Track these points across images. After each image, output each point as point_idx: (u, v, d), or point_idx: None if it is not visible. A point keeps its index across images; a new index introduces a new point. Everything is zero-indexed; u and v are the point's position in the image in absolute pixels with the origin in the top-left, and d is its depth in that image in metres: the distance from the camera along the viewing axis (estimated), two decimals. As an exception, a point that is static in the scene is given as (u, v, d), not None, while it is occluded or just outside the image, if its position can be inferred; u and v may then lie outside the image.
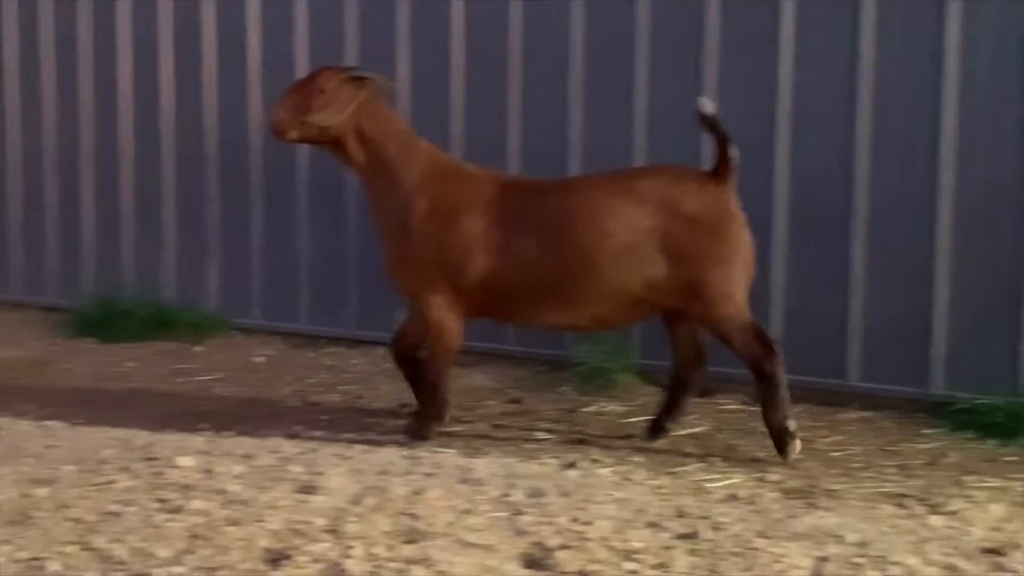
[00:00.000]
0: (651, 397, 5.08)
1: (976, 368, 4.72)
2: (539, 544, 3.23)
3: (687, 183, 4.29)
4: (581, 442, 4.48)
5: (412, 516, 3.43)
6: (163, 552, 3.14)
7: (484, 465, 4.02)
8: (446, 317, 4.43)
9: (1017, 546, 3.33)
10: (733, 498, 3.75)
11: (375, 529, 3.32)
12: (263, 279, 6.19)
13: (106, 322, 6.19)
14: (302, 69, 5.72)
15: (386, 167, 4.48)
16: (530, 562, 3.14)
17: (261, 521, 3.36)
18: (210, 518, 3.39)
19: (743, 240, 4.27)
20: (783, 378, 4.22)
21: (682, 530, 3.36)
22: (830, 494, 3.85)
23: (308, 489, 3.68)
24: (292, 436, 4.46)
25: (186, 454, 4.02)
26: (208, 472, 3.82)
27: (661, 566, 3.10)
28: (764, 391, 4.25)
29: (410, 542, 3.24)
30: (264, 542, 3.21)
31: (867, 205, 4.89)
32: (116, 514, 3.44)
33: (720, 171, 4.25)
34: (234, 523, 3.34)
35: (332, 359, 5.86)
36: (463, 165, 4.67)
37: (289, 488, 3.70)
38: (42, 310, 6.67)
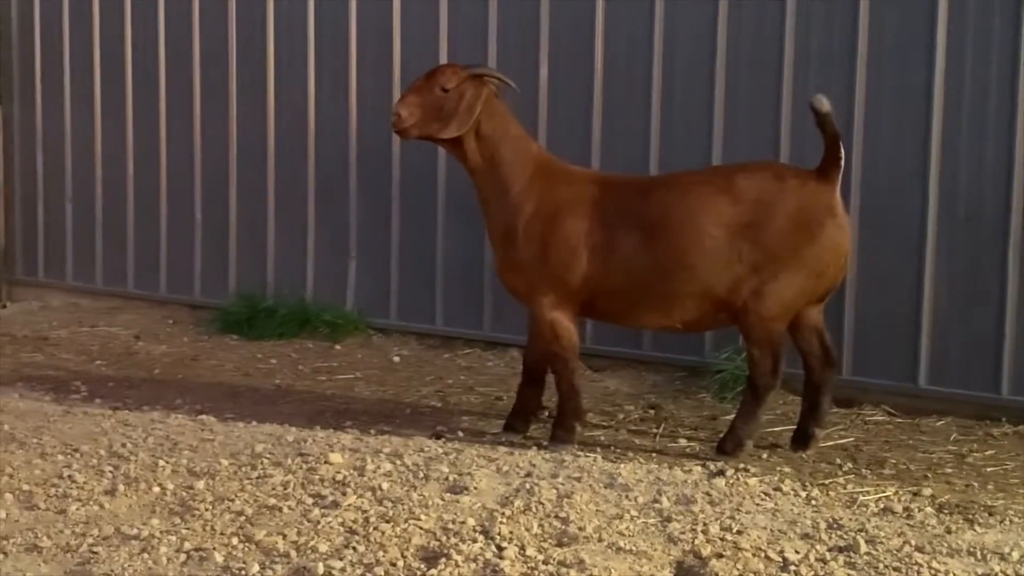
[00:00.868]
0: (792, 406, 5.01)
1: None
2: (692, 552, 3.20)
3: (788, 180, 4.22)
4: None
5: (562, 519, 3.44)
6: (322, 547, 3.20)
7: (629, 470, 4.00)
8: (559, 318, 4.42)
9: None
10: (888, 511, 3.67)
11: (526, 531, 3.34)
12: (400, 280, 6.28)
13: (250, 320, 6.38)
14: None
15: (499, 168, 4.48)
16: (684, 570, 3.11)
17: (414, 519, 3.41)
18: (365, 515, 3.45)
19: (834, 245, 4.19)
20: (768, 401, 4.33)
21: (838, 542, 3.30)
22: (989, 509, 3.74)
23: (457, 489, 3.72)
24: (436, 436, 4.52)
25: (336, 451, 4.10)
26: (359, 469, 3.89)
27: (819, 578, 3.05)
28: (747, 402, 4.29)
29: (561, 545, 3.25)
30: (418, 540, 3.26)
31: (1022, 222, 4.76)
32: (275, 508, 3.53)
33: (826, 169, 4.18)
34: (388, 520, 3.39)
35: (468, 360, 5.93)
36: (567, 166, 4.64)
37: (438, 487, 3.75)
38: (189, 308, 6.90)
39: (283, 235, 6.65)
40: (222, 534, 3.32)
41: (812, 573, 3.08)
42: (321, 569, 3.04)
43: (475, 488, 3.72)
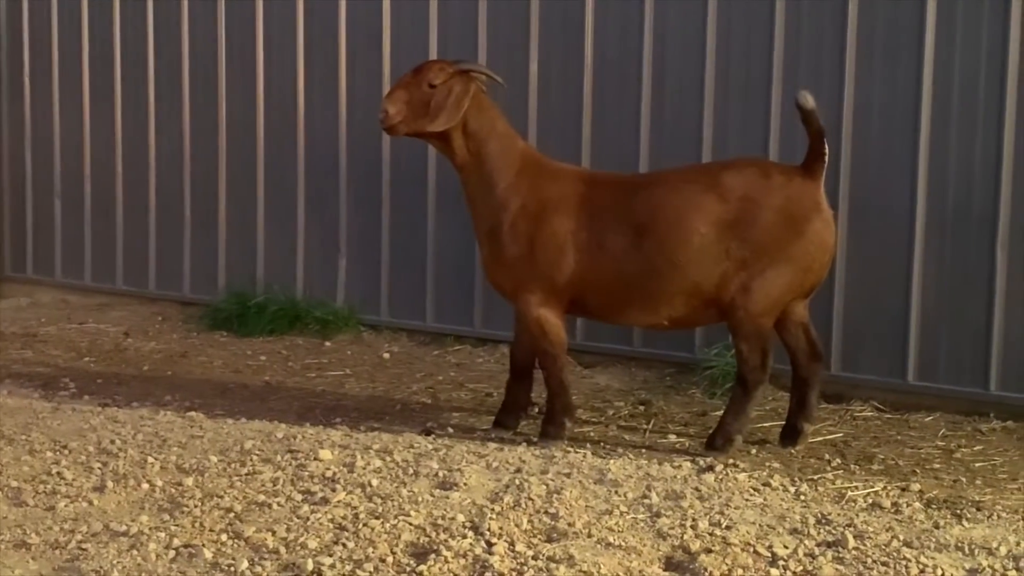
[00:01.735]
0: (782, 402, 5.02)
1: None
2: (681, 547, 3.21)
3: (773, 176, 4.24)
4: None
5: (551, 515, 3.44)
6: (312, 543, 3.20)
7: (618, 466, 4.01)
8: (546, 315, 4.42)
9: None
10: (876, 507, 3.68)
11: (515, 527, 3.34)
12: (391, 277, 6.28)
13: (239, 317, 6.37)
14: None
15: (485, 164, 4.47)
16: (673, 565, 3.12)
17: (404, 515, 3.41)
18: (354, 511, 3.45)
19: (819, 241, 4.21)
20: (757, 397, 4.31)
21: (826, 538, 3.31)
22: (977, 505, 3.75)
23: (447, 485, 3.72)
24: (426, 432, 4.52)
25: (326, 447, 4.09)
26: (349, 466, 3.88)
27: (807, 573, 3.06)
28: (736, 397, 4.29)
29: (551, 541, 3.26)
30: (408, 536, 3.26)
31: (1009, 212, 4.77)
32: (264, 504, 3.52)
33: (811, 165, 4.21)
34: (378, 517, 3.39)
35: (458, 357, 5.93)
36: (555, 163, 4.64)
37: (428, 484, 3.75)
38: (179, 304, 6.89)
39: (273, 231, 6.63)
40: (211, 530, 3.32)
41: (801, 568, 3.09)
42: (310, 565, 3.04)
43: (465, 484, 3.72)
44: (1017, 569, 3.13)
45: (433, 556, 3.10)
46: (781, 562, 3.11)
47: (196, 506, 3.52)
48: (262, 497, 3.59)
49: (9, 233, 7.62)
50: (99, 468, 3.90)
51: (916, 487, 3.93)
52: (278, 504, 3.52)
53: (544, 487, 3.69)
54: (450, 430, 4.60)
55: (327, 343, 6.15)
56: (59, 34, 7.29)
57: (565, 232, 4.36)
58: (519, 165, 4.48)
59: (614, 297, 4.38)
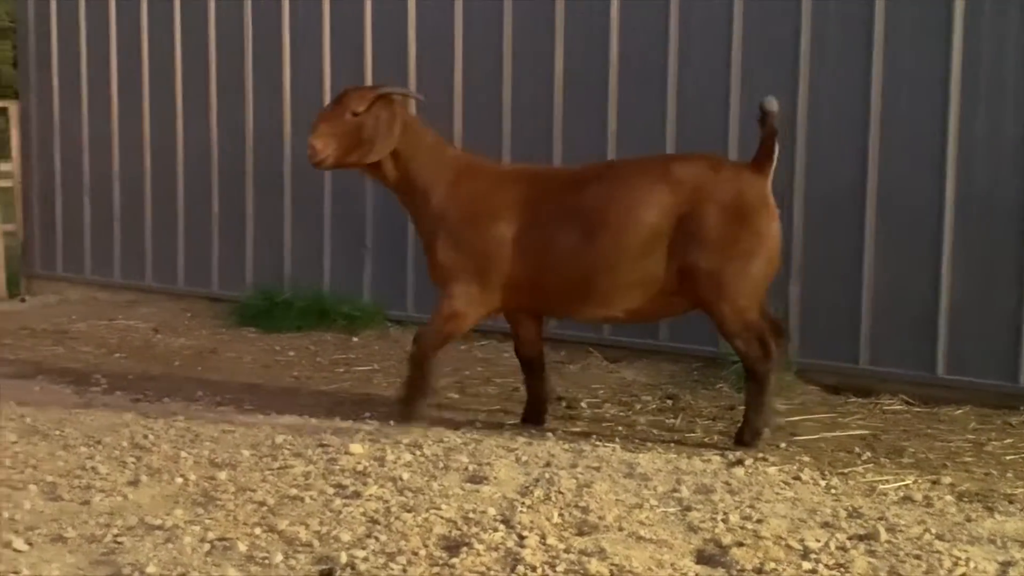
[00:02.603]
0: (810, 396, 5.03)
1: None
2: (713, 541, 3.22)
3: (723, 171, 4.24)
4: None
5: (582, 508, 3.45)
6: (345, 536, 3.23)
7: (648, 460, 4.02)
8: (466, 313, 4.39)
9: None
10: (907, 500, 3.67)
11: (546, 520, 3.35)
12: (416, 272, 6.29)
13: (267, 313, 6.41)
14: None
15: (416, 180, 4.45)
16: (705, 558, 3.12)
17: (435, 509, 3.43)
18: (386, 504, 3.47)
19: (771, 233, 4.21)
20: (773, 383, 4.24)
21: (858, 531, 3.31)
22: (1008, 498, 3.73)
23: (477, 479, 3.74)
24: (455, 426, 4.54)
25: (357, 442, 4.12)
26: (379, 460, 3.91)
27: (839, 566, 3.06)
28: (752, 391, 4.24)
29: (582, 534, 3.27)
30: (440, 529, 3.28)
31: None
32: (296, 498, 3.55)
33: (761, 162, 4.21)
34: (410, 510, 3.41)
35: (484, 351, 5.94)
36: (492, 164, 4.61)
37: (458, 477, 3.77)
38: (207, 300, 6.94)
39: (300, 228, 6.67)
40: (245, 524, 3.35)
41: (833, 561, 3.09)
42: (344, 558, 3.06)
43: (495, 478, 3.74)
44: (1050, 562, 3.12)
45: (465, 549, 3.12)
46: (813, 555, 3.12)
47: (229, 500, 3.55)
48: (294, 491, 3.62)
49: (39, 231, 7.69)
50: (133, 463, 3.94)
51: (947, 480, 3.92)
52: (310, 498, 3.55)
53: (574, 481, 3.71)
54: (478, 424, 4.61)
55: (354, 339, 6.18)
56: (87, 35, 7.35)
57: (508, 236, 4.32)
58: (453, 173, 4.46)
59: (566, 293, 4.35)
